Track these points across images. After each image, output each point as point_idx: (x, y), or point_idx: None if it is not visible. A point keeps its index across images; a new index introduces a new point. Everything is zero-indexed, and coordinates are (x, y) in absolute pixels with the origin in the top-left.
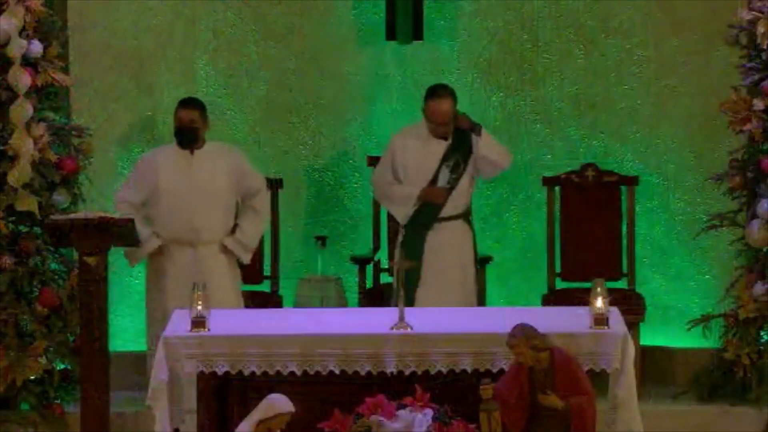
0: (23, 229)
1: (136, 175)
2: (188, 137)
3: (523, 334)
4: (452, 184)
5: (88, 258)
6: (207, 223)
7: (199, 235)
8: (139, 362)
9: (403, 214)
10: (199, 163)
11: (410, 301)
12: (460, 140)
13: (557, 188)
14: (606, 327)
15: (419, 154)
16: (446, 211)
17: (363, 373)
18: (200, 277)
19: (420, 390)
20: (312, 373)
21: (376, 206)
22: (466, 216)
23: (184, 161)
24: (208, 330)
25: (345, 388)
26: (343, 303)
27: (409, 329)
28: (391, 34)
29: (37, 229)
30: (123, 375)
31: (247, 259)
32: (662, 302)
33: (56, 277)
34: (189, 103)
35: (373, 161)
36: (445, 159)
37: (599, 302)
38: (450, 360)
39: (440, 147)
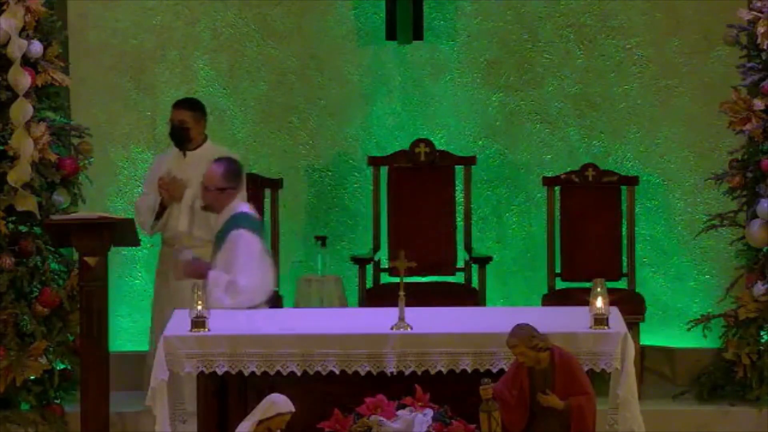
0: (23, 229)
1: (148, 178)
2: (178, 138)
3: (523, 334)
4: None
5: (88, 258)
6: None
7: (185, 238)
8: (140, 362)
9: None
10: (188, 166)
11: None
12: None
13: (557, 188)
14: (606, 327)
15: None
16: None
17: (363, 373)
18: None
19: (420, 390)
20: (312, 373)
21: (376, 206)
22: None
23: (177, 164)
24: (208, 330)
25: (345, 388)
26: (343, 303)
27: (409, 329)
28: (391, 34)
29: (37, 229)
30: (123, 375)
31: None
32: (662, 302)
33: (56, 277)
34: (180, 104)
35: (373, 161)
36: None
37: (599, 302)
38: (450, 360)
39: None
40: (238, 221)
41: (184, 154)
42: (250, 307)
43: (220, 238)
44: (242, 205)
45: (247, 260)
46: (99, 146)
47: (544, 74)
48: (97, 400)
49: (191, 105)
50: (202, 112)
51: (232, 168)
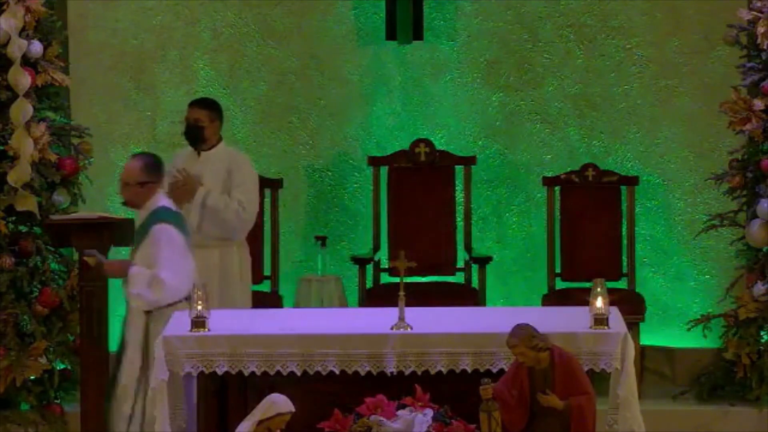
0: (23, 229)
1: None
2: (193, 136)
3: (523, 334)
4: None
5: (88, 258)
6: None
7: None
8: None
9: None
10: (201, 165)
11: None
12: None
13: (557, 188)
14: (606, 327)
15: None
16: None
17: (363, 373)
18: (210, 276)
19: (420, 390)
20: (312, 373)
21: (376, 206)
22: None
23: (190, 163)
24: (208, 330)
25: (345, 388)
26: (343, 303)
27: (409, 329)
28: (391, 34)
29: (37, 229)
30: None
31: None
32: (662, 302)
33: (56, 277)
34: (196, 102)
35: (373, 161)
36: None
37: (599, 302)
38: (450, 360)
39: None
40: (159, 216)
41: (199, 154)
42: (171, 303)
43: (141, 233)
44: (163, 200)
45: (170, 255)
46: (99, 146)
47: (544, 74)
48: (97, 400)
49: (207, 104)
50: (217, 112)
51: (150, 162)
